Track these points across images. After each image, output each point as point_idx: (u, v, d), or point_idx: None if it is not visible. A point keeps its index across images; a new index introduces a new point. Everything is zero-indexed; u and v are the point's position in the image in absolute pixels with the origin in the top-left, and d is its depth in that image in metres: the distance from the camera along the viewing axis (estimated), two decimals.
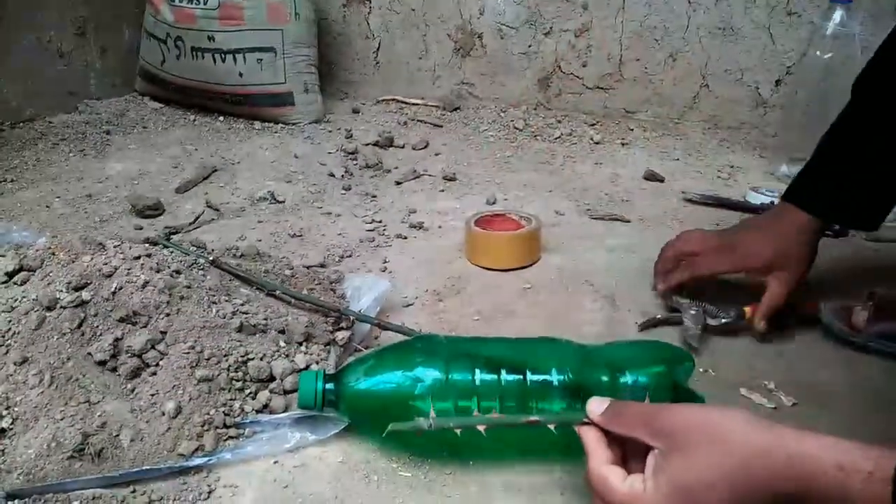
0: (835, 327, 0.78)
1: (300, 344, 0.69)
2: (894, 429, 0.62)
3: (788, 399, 0.67)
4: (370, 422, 0.59)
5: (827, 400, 0.67)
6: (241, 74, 1.56)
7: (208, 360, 0.62)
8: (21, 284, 0.64)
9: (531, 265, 0.96)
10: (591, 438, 0.47)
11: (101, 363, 0.60)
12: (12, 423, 0.55)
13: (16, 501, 0.51)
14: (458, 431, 0.53)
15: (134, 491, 0.53)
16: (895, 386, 0.70)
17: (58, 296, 0.62)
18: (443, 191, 1.26)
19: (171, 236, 0.98)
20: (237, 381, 0.62)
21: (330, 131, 1.56)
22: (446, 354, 0.58)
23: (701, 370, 0.71)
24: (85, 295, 0.63)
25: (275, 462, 0.58)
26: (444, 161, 1.40)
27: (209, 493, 0.54)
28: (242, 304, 0.70)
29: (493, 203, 1.19)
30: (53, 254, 0.67)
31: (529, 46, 1.67)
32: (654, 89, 1.60)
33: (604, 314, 0.84)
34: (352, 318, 0.75)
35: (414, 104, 1.76)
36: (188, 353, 0.61)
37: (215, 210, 1.14)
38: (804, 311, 0.80)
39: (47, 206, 1.15)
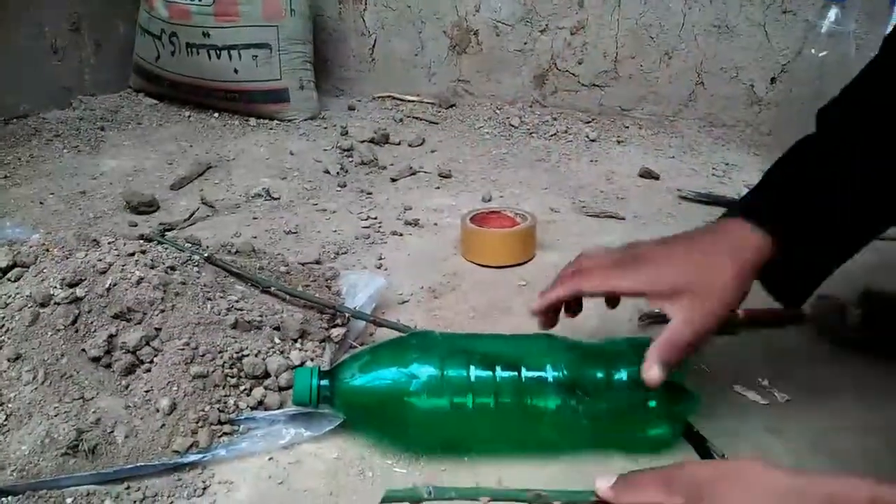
0: (828, 325, 0.78)
1: (295, 341, 0.69)
2: (884, 425, 0.63)
3: (782, 396, 0.68)
4: (365, 418, 0.59)
5: (820, 397, 0.67)
6: (236, 71, 1.55)
7: (203, 356, 0.62)
8: (15, 281, 0.64)
9: (526, 262, 0.96)
10: None
11: (96, 359, 0.60)
12: (6, 420, 0.55)
13: (9, 498, 0.51)
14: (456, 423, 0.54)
15: (128, 487, 0.53)
16: (887, 383, 0.70)
17: (52, 292, 0.62)
18: (438, 188, 1.26)
19: (166, 233, 0.98)
20: (232, 377, 0.62)
21: (325, 128, 1.56)
22: (441, 351, 0.58)
23: (695, 367, 0.72)
24: (79, 291, 0.62)
25: (269, 458, 0.58)
26: (439, 158, 1.40)
27: (204, 489, 0.54)
28: (237, 301, 0.70)
29: (489, 200, 1.19)
30: (47, 250, 0.67)
31: (525, 44, 1.67)
32: (650, 87, 1.60)
33: (598, 311, 0.83)
34: (347, 314, 0.75)
35: (410, 101, 1.76)
36: (183, 349, 0.61)
37: (210, 207, 1.14)
38: (792, 313, 0.80)
39: (41, 203, 1.15)
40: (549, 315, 0.63)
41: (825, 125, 0.61)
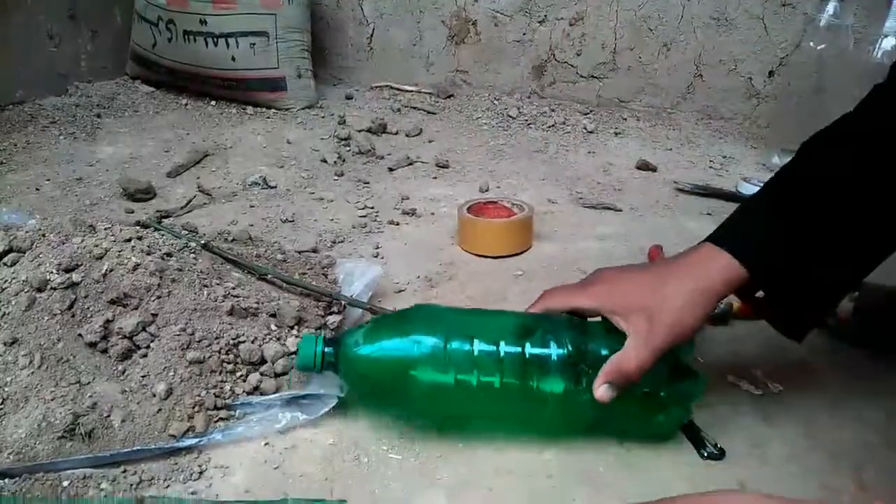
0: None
1: (291, 328, 0.69)
2: (878, 412, 0.63)
3: (775, 386, 0.68)
4: (368, 387, 0.59)
5: (813, 388, 0.68)
6: (233, 59, 1.55)
7: (199, 342, 0.62)
8: (11, 266, 0.64)
9: (523, 252, 0.97)
10: None
11: (92, 345, 0.60)
12: (2, 404, 0.55)
13: (6, 480, 0.51)
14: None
15: (125, 471, 0.53)
16: (878, 374, 0.71)
17: (48, 277, 0.62)
18: (436, 178, 1.26)
19: (163, 220, 0.98)
20: (228, 363, 0.62)
21: (323, 117, 1.56)
22: (446, 323, 0.57)
23: (695, 358, 0.72)
24: (75, 277, 0.62)
25: (265, 443, 0.58)
26: (437, 148, 1.40)
27: (200, 473, 0.54)
28: (234, 288, 0.70)
29: (486, 191, 1.19)
30: (44, 235, 0.66)
31: (524, 34, 1.67)
32: (648, 79, 1.60)
33: None
34: (343, 302, 0.75)
35: (407, 91, 1.75)
36: (179, 335, 0.61)
37: (207, 195, 1.14)
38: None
39: (37, 189, 1.14)
40: None
41: (811, 156, 0.59)
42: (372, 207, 1.10)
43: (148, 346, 0.61)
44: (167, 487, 0.53)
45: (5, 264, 0.64)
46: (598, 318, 0.59)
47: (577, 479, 0.55)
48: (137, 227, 0.73)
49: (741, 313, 0.79)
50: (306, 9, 1.61)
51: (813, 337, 0.77)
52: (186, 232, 0.85)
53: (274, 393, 0.62)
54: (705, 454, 0.58)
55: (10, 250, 0.65)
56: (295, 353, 0.66)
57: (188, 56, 1.58)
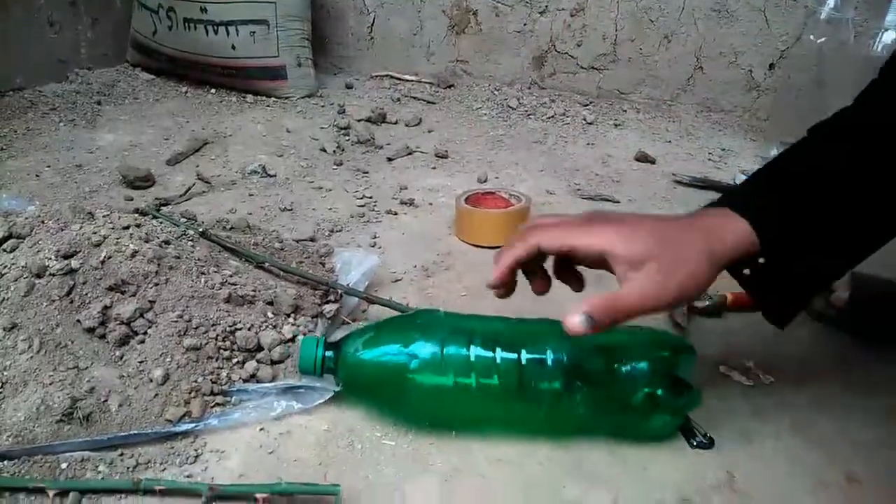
0: (815, 307, 0.79)
1: (288, 315, 0.70)
2: (869, 405, 0.64)
3: (766, 377, 0.69)
4: (366, 391, 0.60)
5: (804, 378, 0.69)
6: (233, 47, 1.55)
7: (196, 329, 0.63)
8: (10, 252, 0.64)
9: None
10: None
11: (90, 330, 0.61)
12: (1, 387, 0.55)
13: (5, 462, 0.52)
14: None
15: (122, 454, 0.54)
16: (872, 363, 0.71)
17: (47, 263, 0.62)
18: (434, 168, 1.26)
19: (162, 208, 0.98)
20: (225, 350, 0.63)
21: (322, 106, 1.56)
22: (444, 330, 0.58)
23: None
24: (74, 263, 0.63)
25: (261, 429, 0.59)
26: (436, 138, 1.40)
27: (196, 457, 0.55)
28: (231, 276, 0.71)
29: (485, 181, 1.19)
30: (42, 222, 0.67)
31: (524, 25, 1.67)
32: (648, 71, 1.60)
33: (590, 292, 0.84)
34: (340, 291, 0.75)
35: (408, 80, 1.75)
36: (176, 321, 0.62)
37: (206, 183, 1.14)
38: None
39: (37, 176, 1.15)
40: (507, 283, 0.56)
41: (813, 146, 0.58)
42: (370, 197, 1.10)
43: (145, 333, 0.62)
44: (163, 471, 0.54)
45: (4, 250, 0.65)
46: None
47: (568, 468, 0.56)
48: (136, 215, 0.74)
49: (734, 305, 0.80)
50: None
51: (805, 329, 0.78)
52: (185, 220, 0.85)
53: (271, 380, 0.63)
54: (694, 443, 0.59)
55: (10, 236, 0.66)
56: (291, 340, 0.67)
57: (188, 44, 1.58)
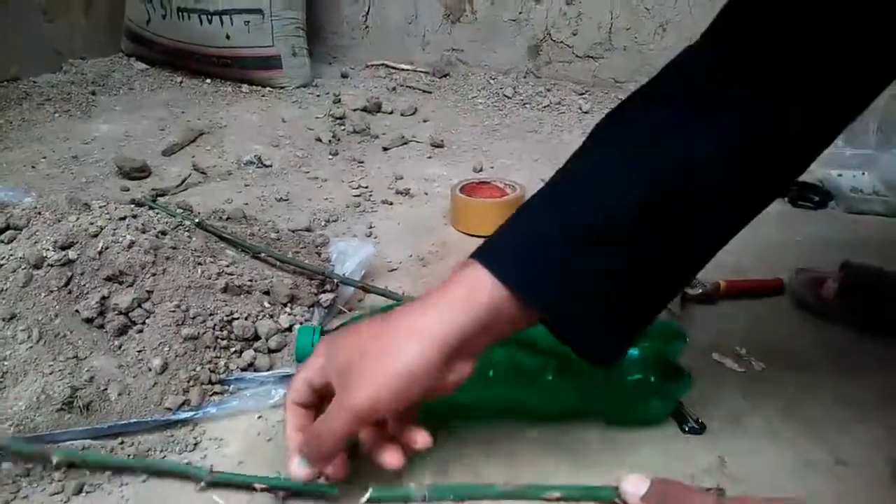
0: (805, 298, 0.80)
1: (284, 305, 0.70)
2: (857, 391, 0.65)
3: (758, 364, 0.70)
4: None
5: (795, 365, 0.69)
6: (228, 36, 1.54)
7: (194, 318, 0.64)
8: (8, 243, 0.65)
9: None
10: None
11: (89, 320, 0.61)
12: (2, 377, 0.56)
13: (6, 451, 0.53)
14: None
15: (122, 442, 0.55)
16: (860, 353, 0.72)
17: (45, 254, 0.63)
18: (430, 157, 1.26)
19: (158, 198, 0.98)
20: (222, 339, 0.64)
21: (318, 96, 1.56)
22: None
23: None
24: (71, 254, 0.63)
25: (259, 417, 0.59)
26: (432, 128, 1.40)
27: (195, 445, 0.56)
28: (228, 266, 0.72)
29: (480, 171, 1.19)
30: (39, 213, 0.67)
31: (520, 13, 1.66)
32: (644, 59, 1.60)
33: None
34: (336, 281, 0.76)
35: (403, 69, 1.75)
36: (174, 311, 0.63)
37: (202, 173, 1.14)
38: (771, 284, 0.82)
39: (33, 167, 1.15)
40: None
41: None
42: (366, 187, 1.11)
43: (143, 322, 0.63)
44: (163, 458, 0.54)
45: (2, 241, 0.65)
46: None
47: (560, 454, 0.57)
48: (132, 206, 0.74)
49: (727, 292, 0.81)
50: None
51: (796, 317, 0.79)
52: (181, 210, 0.86)
53: (268, 369, 0.63)
54: (686, 429, 0.60)
55: (7, 227, 0.66)
56: (288, 329, 0.68)
57: (183, 33, 1.58)
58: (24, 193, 0.84)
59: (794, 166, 0.48)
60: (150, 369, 0.59)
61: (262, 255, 0.77)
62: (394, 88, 1.63)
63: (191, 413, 0.57)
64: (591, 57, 1.64)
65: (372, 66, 1.78)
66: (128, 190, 1.07)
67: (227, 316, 0.65)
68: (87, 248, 0.64)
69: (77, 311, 0.61)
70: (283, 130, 1.35)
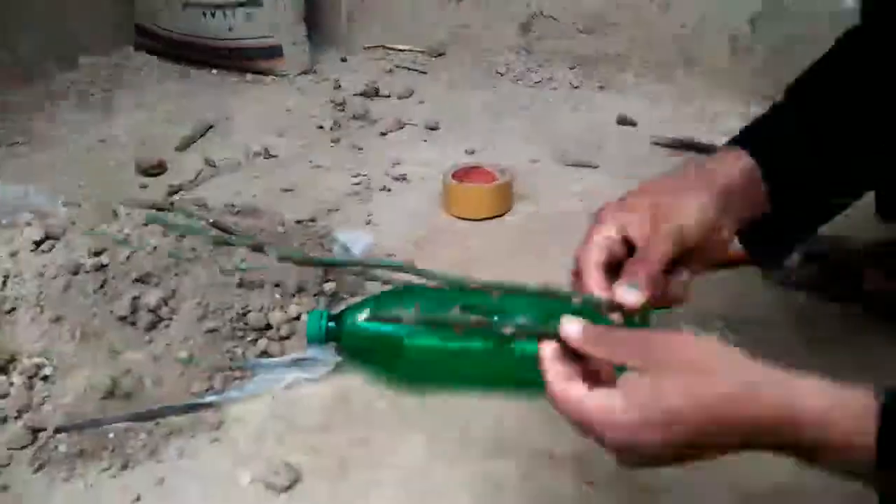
0: (772, 270, 0.86)
1: (293, 295, 0.79)
2: (826, 358, 0.70)
3: (730, 335, 0.74)
4: (365, 356, 0.69)
5: (766, 336, 0.74)
6: (230, 28, 1.60)
7: (214, 313, 0.73)
8: (48, 252, 0.73)
9: (505, 214, 1.05)
10: (551, 353, 0.47)
11: (123, 318, 0.70)
12: (53, 372, 0.66)
13: (62, 434, 0.62)
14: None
15: (158, 423, 0.65)
16: (823, 321, 0.78)
17: (80, 261, 0.72)
18: (426, 140, 1.32)
19: (175, 194, 1.06)
20: (239, 330, 0.73)
21: (318, 82, 1.61)
22: (434, 300, 0.67)
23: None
24: (104, 259, 0.72)
25: (273, 398, 0.69)
26: (428, 110, 1.45)
27: (220, 424, 0.65)
28: (241, 262, 0.80)
29: (473, 153, 1.25)
30: (73, 223, 0.76)
31: None
32: (638, 34, 1.62)
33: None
34: (339, 269, 0.84)
35: (400, 51, 1.79)
36: (196, 308, 0.72)
37: (213, 167, 1.21)
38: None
39: (55, 167, 1.22)
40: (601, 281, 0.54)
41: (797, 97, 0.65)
42: (365, 175, 1.17)
43: (170, 318, 0.72)
44: (192, 437, 0.64)
45: (43, 251, 0.74)
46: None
47: (543, 423, 0.65)
48: (154, 211, 0.83)
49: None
50: None
51: (767, 290, 0.84)
52: (196, 207, 0.94)
53: (280, 355, 0.72)
54: None
55: (47, 238, 0.75)
56: (296, 318, 0.76)
57: (188, 27, 1.63)
58: (53, 197, 0.91)
59: None
60: (177, 360, 0.68)
61: (267, 252, 0.85)
62: (390, 70, 1.67)
63: (215, 397, 0.67)
64: (583, 32, 1.67)
65: (369, 48, 1.82)
66: (146, 186, 1.14)
67: (242, 309, 0.74)
68: (117, 254, 0.73)
69: (112, 310, 0.70)
70: (287, 120, 1.42)
